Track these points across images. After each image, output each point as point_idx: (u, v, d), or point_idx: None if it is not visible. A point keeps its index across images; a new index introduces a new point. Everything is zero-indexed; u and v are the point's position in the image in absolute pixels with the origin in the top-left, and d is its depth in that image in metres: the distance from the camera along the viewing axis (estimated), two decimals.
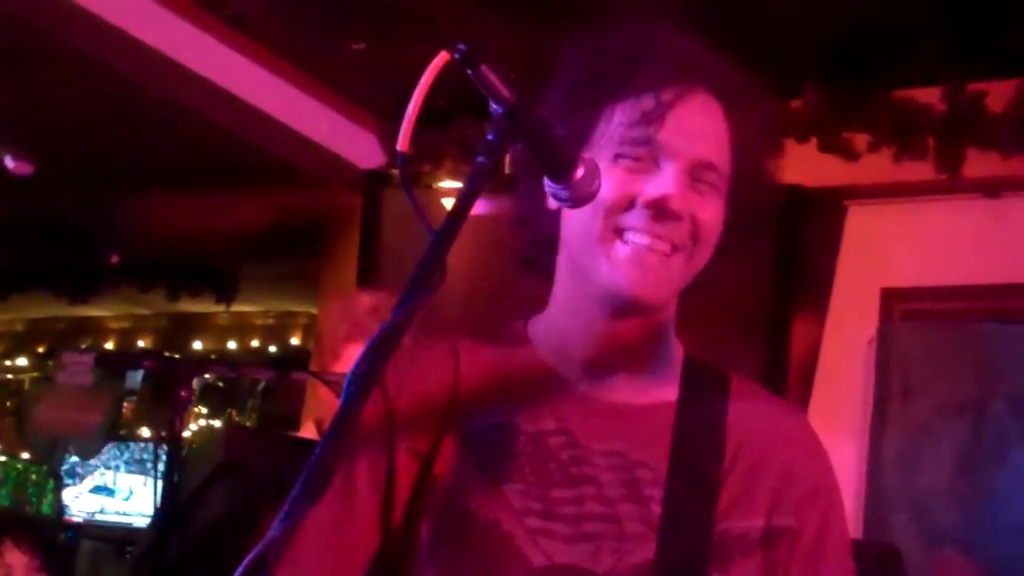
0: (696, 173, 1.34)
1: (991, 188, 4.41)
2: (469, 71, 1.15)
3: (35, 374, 9.76)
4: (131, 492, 7.79)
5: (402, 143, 1.17)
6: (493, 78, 1.16)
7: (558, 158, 1.23)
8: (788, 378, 4.51)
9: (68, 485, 7.81)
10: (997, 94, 4.27)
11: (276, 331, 9.27)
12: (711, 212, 1.35)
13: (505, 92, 1.17)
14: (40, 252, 7.14)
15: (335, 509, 1.31)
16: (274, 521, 1.02)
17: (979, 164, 4.32)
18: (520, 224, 1.46)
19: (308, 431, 3.52)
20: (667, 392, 1.41)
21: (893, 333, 4.48)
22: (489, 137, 1.19)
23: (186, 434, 3.03)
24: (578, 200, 1.25)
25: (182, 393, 2.77)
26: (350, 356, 2.88)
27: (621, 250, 1.32)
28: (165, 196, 6.22)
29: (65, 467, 7.85)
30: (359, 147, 5.14)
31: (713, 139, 1.36)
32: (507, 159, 1.28)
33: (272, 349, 9.25)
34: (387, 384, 1.36)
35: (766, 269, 4.33)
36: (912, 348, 4.42)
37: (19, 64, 4.68)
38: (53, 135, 5.62)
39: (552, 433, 1.36)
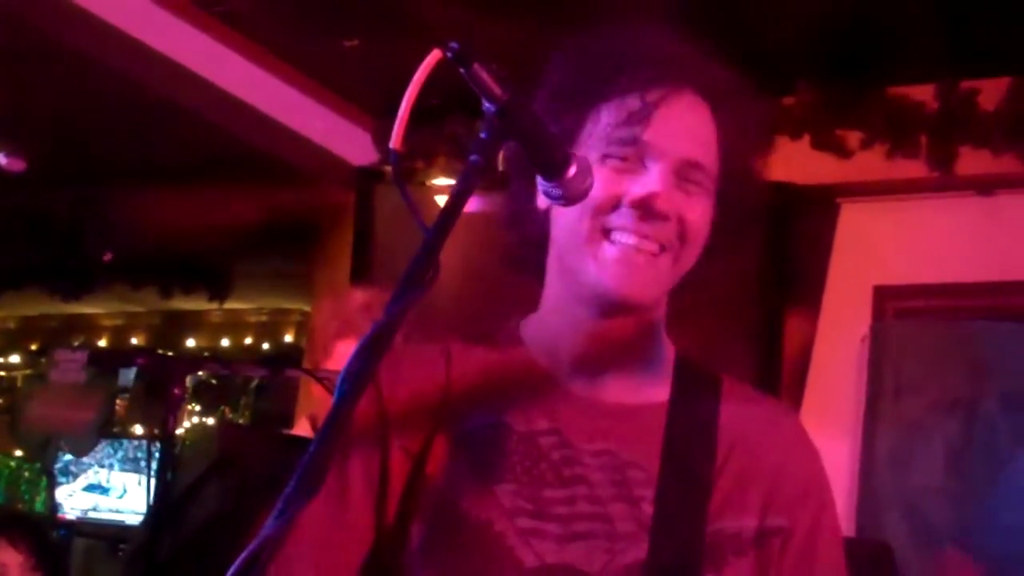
0: (683, 173, 1.34)
1: (984, 186, 4.42)
2: (462, 69, 1.15)
3: (28, 372, 9.74)
4: (125, 490, 7.78)
5: (395, 141, 1.17)
6: (485, 76, 1.16)
7: (551, 156, 1.24)
8: (781, 376, 4.51)
9: (62, 483, 7.81)
10: (990, 92, 4.27)
11: (269, 328, 9.26)
12: (698, 212, 1.35)
13: (497, 90, 1.17)
14: (33, 249, 7.13)
15: (328, 507, 1.31)
16: (268, 519, 1.02)
17: (972, 162, 4.32)
18: (510, 224, 1.46)
19: (302, 428, 3.52)
20: (659, 392, 1.41)
21: (886, 331, 4.49)
22: (482, 135, 1.19)
23: (179, 432, 3.02)
24: (571, 198, 1.25)
25: (175, 391, 2.76)
26: (341, 353, 2.88)
27: (608, 250, 1.32)
28: (158, 193, 6.21)
29: (59, 465, 7.84)
30: (352, 144, 5.14)
31: (700, 138, 1.36)
32: (500, 157, 1.28)
33: (265, 346, 9.24)
34: (380, 383, 1.36)
35: (759, 267, 4.33)
36: (905, 346, 4.43)
37: (11, 61, 4.67)
38: (45, 132, 5.61)
39: (544, 433, 1.36)
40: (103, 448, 7.87)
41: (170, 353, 8.08)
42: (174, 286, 7.68)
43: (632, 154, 1.34)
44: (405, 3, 4.13)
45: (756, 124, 1.44)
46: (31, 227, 6.78)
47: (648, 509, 1.33)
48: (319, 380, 2.79)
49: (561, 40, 1.42)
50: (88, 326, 9.58)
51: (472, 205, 1.17)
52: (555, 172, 1.23)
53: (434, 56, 1.15)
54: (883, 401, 4.40)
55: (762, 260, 4.34)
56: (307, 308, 7.68)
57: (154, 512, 2.73)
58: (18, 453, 8.77)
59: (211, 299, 7.81)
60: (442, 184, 4.90)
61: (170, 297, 7.82)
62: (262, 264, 7.38)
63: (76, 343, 9.28)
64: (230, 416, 9.45)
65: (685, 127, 1.35)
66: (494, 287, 1.46)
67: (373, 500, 1.35)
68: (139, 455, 7.67)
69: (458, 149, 4.83)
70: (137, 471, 7.65)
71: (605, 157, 1.33)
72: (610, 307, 1.35)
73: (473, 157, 1.18)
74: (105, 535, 7.13)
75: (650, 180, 1.32)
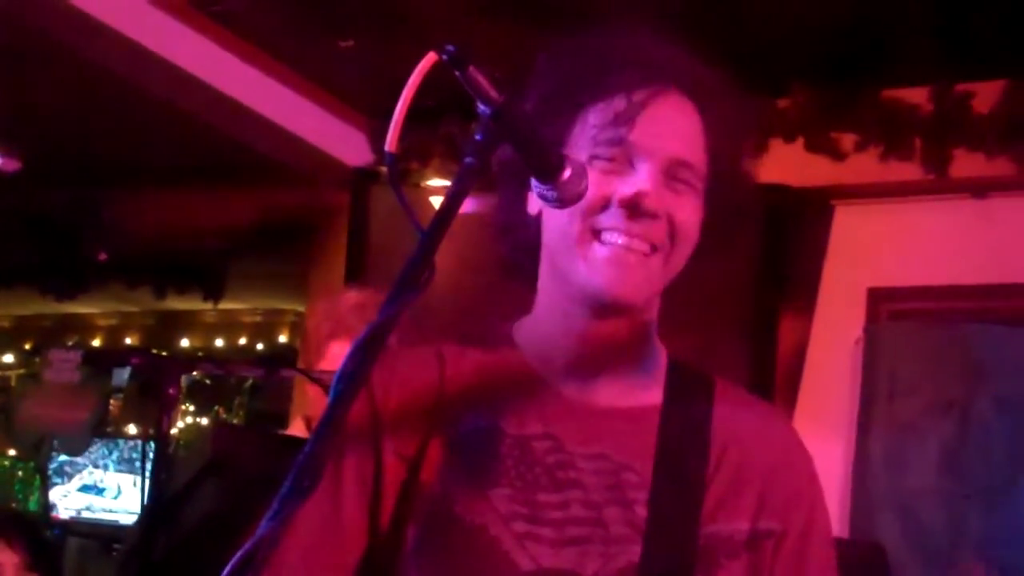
0: (671, 172, 1.34)
1: (978, 188, 4.42)
2: (457, 72, 1.16)
3: (22, 371, 9.72)
4: (119, 491, 7.77)
5: (390, 143, 1.17)
6: (481, 79, 1.16)
7: (546, 159, 1.24)
8: (775, 377, 4.51)
9: (56, 484, 7.79)
10: (984, 95, 4.28)
11: (264, 329, 9.26)
12: (688, 211, 1.36)
13: (493, 93, 1.17)
14: (27, 248, 7.12)
15: (323, 510, 1.32)
16: (262, 519, 1.02)
17: (966, 164, 4.33)
18: (502, 232, 1.46)
19: (296, 428, 3.52)
20: (652, 395, 1.41)
21: (880, 333, 4.49)
22: (477, 137, 1.19)
23: (173, 432, 3.03)
24: (566, 200, 1.26)
25: (170, 391, 2.76)
26: (334, 354, 2.88)
27: (599, 251, 1.33)
28: (153, 193, 6.20)
29: (53, 466, 7.83)
30: (347, 145, 5.13)
31: (687, 137, 1.37)
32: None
33: (260, 347, 9.24)
34: (373, 386, 1.36)
35: (753, 269, 4.33)
36: (899, 348, 4.43)
37: (6, 61, 4.67)
38: (40, 131, 5.61)
39: (537, 437, 1.36)
40: (98, 448, 7.85)
41: (164, 353, 8.07)
42: (169, 286, 7.67)
43: (620, 154, 1.34)
44: (400, 4, 4.13)
45: (744, 124, 1.45)
46: (25, 226, 6.77)
47: (642, 512, 1.33)
48: (314, 380, 2.79)
49: (549, 43, 1.42)
50: (82, 326, 9.57)
51: (467, 206, 1.17)
52: (550, 175, 1.24)
53: (429, 58, 1.16)
54: (877, 403, 4.40)
55: (756, 262, 4.35)
56: (302, 309, 7.66)
57: (148, 512, 2.73)
58: (12, 452, 8.76)
59: (205, 299, 7.80)
60: (437, 185, 4.90)
61: (164, 297, 7.82)
62: (257, 264, 7.38)
63: (70, 343, 9.27)
64: (224, 416, 9.44)
65: (672, 126, 1.36)
66: (488, 289, 1.46)
67: (367, 504, 1.35)
68: (134, 455, 7.66)
69: (453, 151, 4.83)
70: (132, 472, 7.63)
71: (593, 158, 1.34)
72: (602, 308, 1.35)
73: (468, 159, 1.18)
74: (99, 535, 7.12)
75: (638, 180, 1.33)
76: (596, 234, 1.33)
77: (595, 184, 1.31)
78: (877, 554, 3.64)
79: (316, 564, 1.33)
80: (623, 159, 1.34)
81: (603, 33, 1.41)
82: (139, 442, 7.84)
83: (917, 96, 4.38)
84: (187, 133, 5.10)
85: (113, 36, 4.10)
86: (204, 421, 9.54)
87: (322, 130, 5.02)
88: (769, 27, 4.09)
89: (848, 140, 4.46)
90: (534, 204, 1.42)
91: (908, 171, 4.40)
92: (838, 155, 4.47)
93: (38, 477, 8.07)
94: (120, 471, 7.81)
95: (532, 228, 1.42)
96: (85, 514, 7.77)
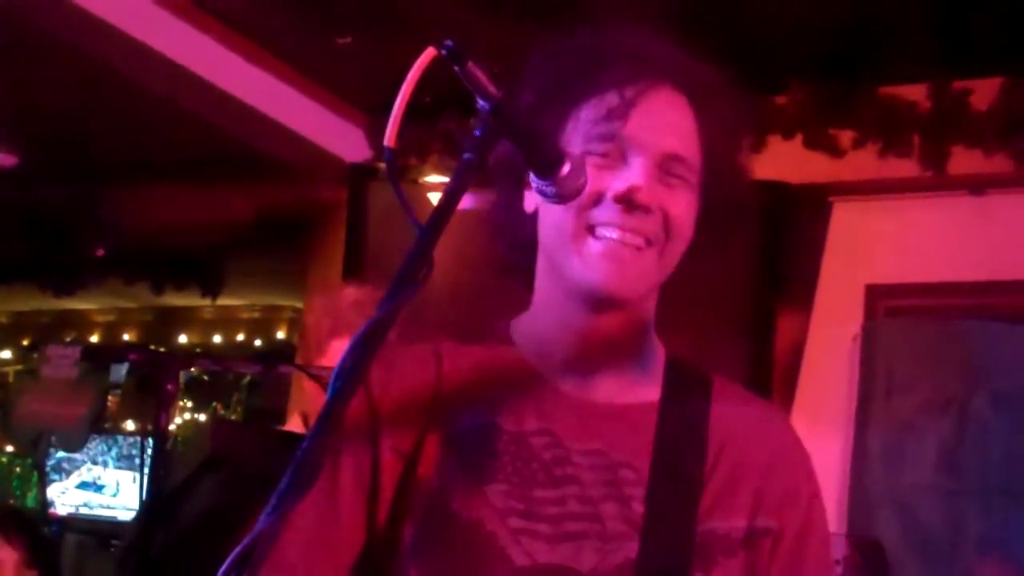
0: (665, 166, 1.34)
1: (975, 185, 4.43)
2: (456, 67, 1.16)
3: (19, 367, 9.72)
4: (118, 488, 7.77)
5: (389, 138, 1.17)
6: (480, 75, 1.17)
7: (544, 154, 1.24)
8: (773, 374, 4.51)
9: (54, 481, 7.79)
10: (982, 92, 4.28)
11: (261, 325, 9.25)
12: (682, 206, 1.36)
13: (491, 89, 1.17)
14: (24, 244, 7.11)
15: (320, 507, 1.32)
16: (260, 515, 1.02)
17: (963, 161, 4.33)
18: (499, 231, 1.47)
19: (294, 425, 3.52)
20: (649, 392, 1.41)
21: (877, 329, 4.49)
22: (476, 133, 1.19)
23: (171, 428, 3.02)
24: (565, 196, 1.26)
25: (168, 387, 2.76)
26: (335, 351, 2.87)
27: (593, 246, 1.33)
28: (151, 189, 6.19)
29: (51, 462, 7.82)
30: (345, 141, 5.13)
31: (679, 132, 1.37)
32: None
33: (257, 343, 9.24)
34: (371, 383, 1.36)
35: (751, 265, 4.33)
36: (896, 344, 4.43)
37: (3, 56, 4.66)
38: (38, 127, 5.60)
39: (534, 433, 1.36)
40: (97, 445, 7.86)
41: (162, 349, 8.07)
42: (166, 282, 7.66)
43: (613, 150, 1.34)
44: (399, 1, 4.13)
45: (739, 120, 1.44)
46: (23, 222, 6.76)
47: (639, 509, 1.33)
48: (312, 376, 2.79)
49: (542, 40, 1.42)
50: (80, 322, 9.57)
51: (465, 203, 1.17)
52: (549, 170, 1.24)
53: (428, 54, 1.16)
54: (875, 400, 4.41)
55: (754, 259, 4.35)
56: (299, 305, 7.66)
57: (147, 508, 2.73)
58: (9, 449, 8.76)
59: (203, 295, 7.79)
60: (435, 181, 4.90)
61: (162, 293, 7.81)
62: (255, 260, 7.37)
63: (68, 339, 9.25)
64: (222, 412, 9.45)
65: (665, 121, 1.36)
66: (487, 284, 1.46)
67: (364, 500, 1.35)
68: (133, 452, 7.66)
69: (451, 146, 4.83)
70: (131, 468, 7.63)
71: (586, 154, 1.33)
72: (597, 303, 1.35)
73: (467, 155, 1.18)
74: (97, 531, 7.12)
75: (632, 174, 1.33)
76: (591, 229, 1.33)
77: (589, 179, 1.30)
78: (875, 550, 3.65)
79: (314, 560, 1.33)
80: (616, 154, 1.34)
81: (596, 30, 1.42)
82: (138, 438, 7.85)
83: (915, 93, 4.38)
84: (185, 129, 5.10)
85: (111, 32, 4.10)
86: (202, 417, 9.55)
87: (320, 126, 5.02)
88: (767, 24, 4.09)
89: (846, 137, 4.47)
90: (530, 202, 1.42)
91: (906, 168, 4.40)
92: (836, 152, 4.47)
93: (36, 474, 8.06)
94: (120, 468, 7.82)
95: (529, 226, 1.41)
96: (83, 510, 7.77)
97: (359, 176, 5.13)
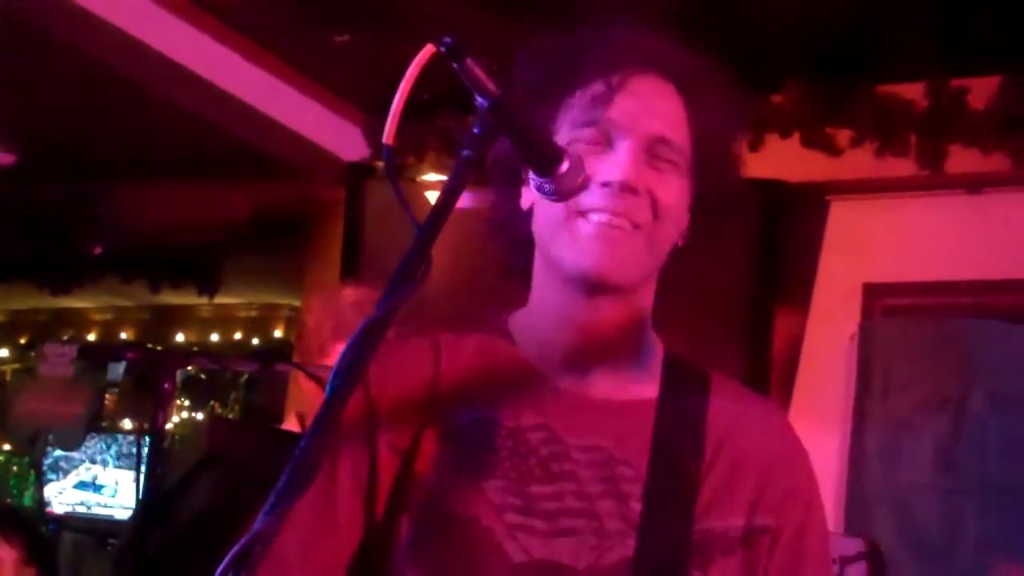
0: (652, 149, 1.35)
1: (973, 184, 4.43)
2: (455, 65, 1.15)
3: (16, 366, 9.71)
4: (117, 488, 7.76)
5: (388, 135, 1.17)
6: (478, 72, 1.16)
7: (543, 152, 1.24)
8: (770, 373, 4.51)
9: (52, 480, 7.78)
10: (979, 90, 4.28)
11: (259, 323, 9.24)
12: (672, 190, 1.36)
13: (490, 86, 1.17)
14: (22, 243, 7.10)
15: (317, 505, 1.31)
16: (258, 514, 1.02)
17: (961, 160, 4.33)
18: (497, 229, 1.47)
19: (291, 424, 3.52)
20: (647, 389, 1.41)
21: (875, 328, 4.50)
22: (474, 130, 1.19)
23: (168, 427, 3.02)
24: (564, 194, 1.26)
25: (165, 385, 2.76)
26: (338, 353, 2.86)
27: (583, 229, 1.32)
28: (148, 187, 6.19)
29: (48, 461, 7.81)
30: (342, 139, 5.13)
31: (665, 116, 1.37)
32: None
33: (255, 341, 9.22)
34: (369, 380, 1.36)
35: (748, 264, 4.33)
36: (894, 343, 4.43)
37: (2, 55, 4.66)
38: (36, 126, 5.60)
39: (532, 428, 1.36)
40: (96, 444, 7.85)
41: (160, 348, 8.06)
42: (164, 280, 7.65)
43: (599, 135, 1.35)
44: None
45: (730, 109, 1.44)
46: (20, 220, 6.75)
47: (636, 506, 1.33)
48: (310, 375, 2.79)
49: (530, 38, 1.42)
50: (77, 320, 9.55)
51: (463, 202, 1.17)
52: (547, 168, 1.24)
53: (427, 51, 1.15)
54: (872, 398, 4.41)
55: (751, 257, 4.35)
56: (297, 303, 7.65)
57: (144, 507, 2.73)
58: (6, 447, 8.76)
59: (201, 294, 7.78)
60: (433, 180, 4.90)
61: (159, 292, 7.79)
62: (252, 259, 7.36)
63: (65, 337, 9.24)
64: (220, 411, 9.44)
65: (649, 104, 1.36)
66: (485, 283, 1.46)
67: (361, 497, 1.35)
68: (134, 451, 7.65)
69: (449, 145, 4.82)
70: (131, 467, 7.62)
71: (572, 142, 1.34)
72: (591, 286, 1.34)
73: (465, 152, 1.18)
74: (94, 530, 7.11)
75: (618, 158, 1.33)
76: (581, 214, 1.33)
77: None
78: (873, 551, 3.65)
79: (312, 558, 1.33)
80: (603, 139, 1.35)
81: (584, 25, 1.42)
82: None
83: (912, 92, 4.38)
84: (182, 127, 5.09)
85: (109, 30, 4.09)
86: (199, 416, 9.53)
87: (318, 125, 5.02)
88: (765, 23, 4.09)
89: (844, 136, 4.47)
90: (527, 198, 1.42)
91: (903, 167, 4.40)
92: (834, 151, 4.47)
93: (33, 472, 8.06)
94: (120, 467, 7.81)
95: (526, 224, 1.42)
96: (80, 509, 7.76)
97: (357, 174, 5.12)
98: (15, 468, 8.75)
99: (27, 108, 5.33)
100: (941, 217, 4.50)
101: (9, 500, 8.39)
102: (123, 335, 9.44)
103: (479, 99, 1.18)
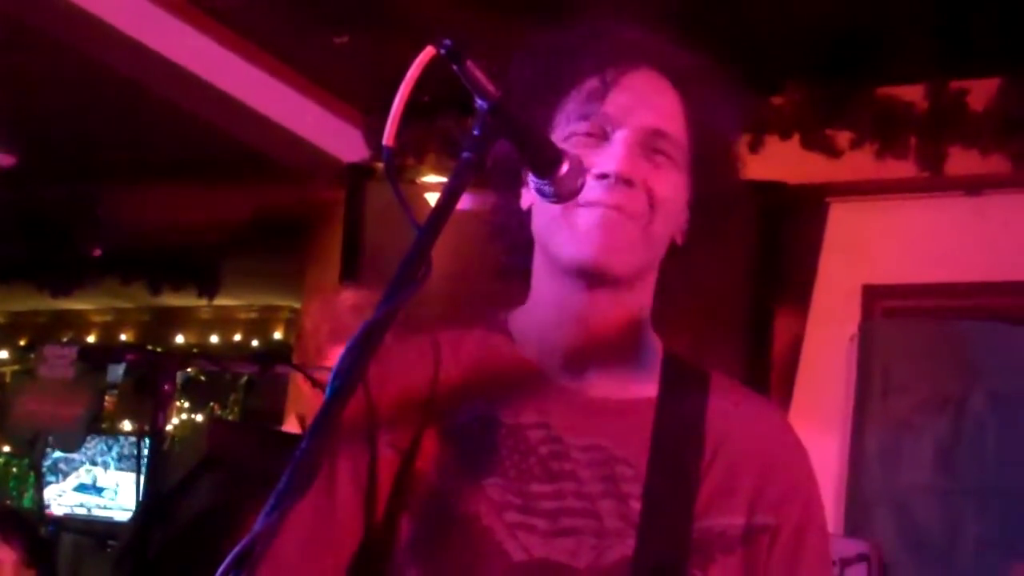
0: (648, 142, 1.35)
1: (972, 186, 4.43)
2: (455, 66, 1.15)
3: (16, 367, 9.71)
4: (118, 490, 7.75)
5: (388, 137, 1.17)
6: (478, 74, 1.16)
7: (543, 154, 1.24)
8: (770, 374, 4.51)
9: (51, 483, 7.78)
10: (979, 92, 4.28)
11: (259, 325, 9.24)
12: (668, 183, 1.36)
13: (490, 88, 1.17)
14: (22, 244, 7.10)
15: (317, 505, 1.31)
16: (258, 515, 1.02)
17: (960, 162, 4.33)
18: (497, 231, 1.47)
19: (292, 425, 3.52)
20: (647, 388, 1.41)
21: (874, 330, 4.50)
22: (474, 132, 1.19)
23: (168, 428, 3.02)
24: (563, 196, 1.26)
25: (165, 387, 2.76)
26: (336, 356, 2.85)
27: (580, 220, 1.32)
28: (147, 189, 6.19)
29: (47, 463, 7.82)
30: (342, 140, 5.13)
31: (661, 109, 1.37)
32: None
33: (255, 343, 9.22)
34: (369, 380, 1.36)
35: (748, 265, 4.34)
36: (893, 345, 4.44)
37: (1, 56, 4.66)
38: (35, 127, 5.60)
39: (532, 427, 1.36)
40: (97, 445, 7.85)
41: (159, 349, 8.06)
42: (163, 282, 7.65)
43: (595, 128, 1.35)
44: (396, 0, 4.13)
45: (727, 106, 1.44)
46: (20, 222, 6.76)
47: (636, 506, 1.32)
48: (309, 377, 2.79)
49: (525, 38, 1.43)
50: (77, 322, 9.55)
51: (463, 203, 1.17)
52: (547, 170, 1.24)
53: (427, 53, 1.15)
54: (872, 400, 4.41)
55: (752, 259, 4.35)
56: (297, 305, 7.66)
57: (144, 508, 2.73)
58: (6, 449, 8.76)
59: (200, 295, 7.78)
60: (433, 181, 4.90)
61: (159, 293, 7.80)
62: (252, 260, 7.37)
63: (65, 339, 9.24)
64: (219, 413, 9.44)
65: (644, 97, 1.37)
66: (485, 284, 1.46)
67: (361, 498, 1.35)
68: (135, 453, 7.65)
69: (449, 147, 4.83)
70: (133, 469, 7.62)
71: (569, 136, 1.35)
72: (589, 277, 1.34)
73: (465, 154, 1.18)
74: (93, 531, 7.11)
75: (614, 150, 1.34)
76: (578, 206, 1.33)
77: None
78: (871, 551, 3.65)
79: (312, 558, 1.33)
80: (599, 132, 1.35)
81: (579, 25, 1.42)
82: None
83: (912, 94, 4.38)
84: (182, 129, 5.10)
85: (109, 32, 4.10)
86: (199, 418, 9.54)
87: (317, 126, 5.02)
88: (765, 25, 4.09)
89: (843, 137, 4.47)
90: (526, 198, 1.42)
91: (903, 168, 4.40)
92: (833, 152, 4.48)
93: (32, 474, 8.05)
94: (121, 469, 7.81)
95: (525, 225, 1.42)
96: (79, 511, 7.76)
97: (356, 176, 5.12)
98: (15, 470, 8.74)
99: (27, 109, 5.33)
100: (941, 219, 4.50)
101: (8, 502, 8.38)
102: (123, 337, 9.45)
103: (479, 101, 1.18)
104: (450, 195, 1.15)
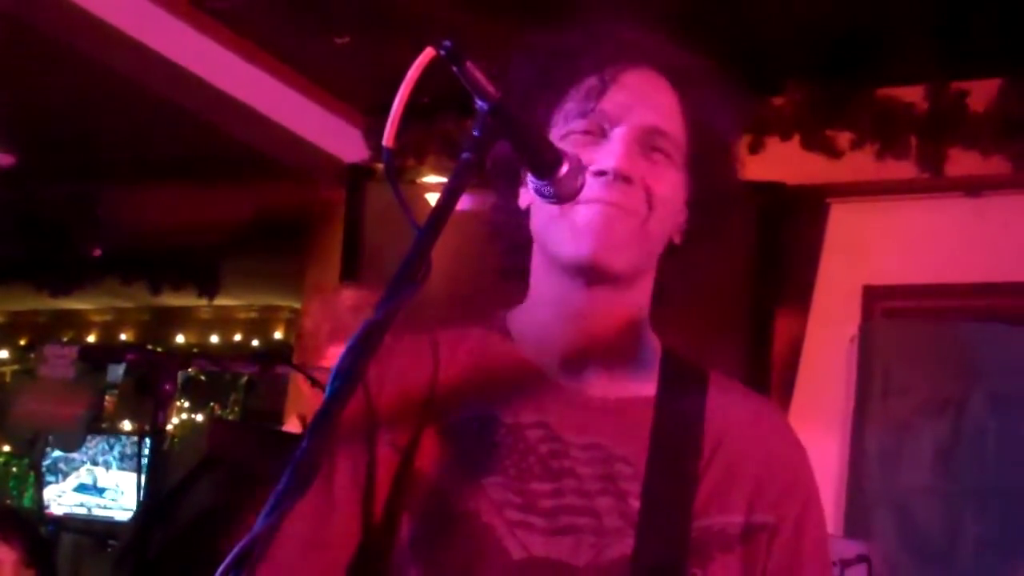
0: (646, 140, 1.35)
1: (972, 187, 4.43)
2: (455, 67, 1.16)
3: (16, 367, 9.71)
4: (118, 490, 7.75)
5: (388, 138, 1.17)
6: (478, 75, 1.17)
7: (543, 155, 1.24)
8: (770, 375, 4.51)
9: (51, 483, 7.78)
10: (979, 93, 4.28)
11: (259, 325, 9.24)
12: (667, 181, 1.36)
13: (490, 89, 1.18)
14: (22, 244, 7.10)
15: (316, 505, 1.31)
16: (258, 515, 1.02)
17: (961, 163, 4.33)
18: (497, 232, 1.47)
19: (291, 425, 3.52)
20: (646, 387, 1.41)
21: (875, 331, 4.50)
22: (474, 133, 1.19)
23: (168, 428, 3.02)
24: (563, 197, 1.26)
25: (165, 387, 2.76)
26: (334, 356, 2.86)
27: (578, 217, 1.32)
28: (148, 189, 6.19)
29: (47, 463, 7.82)
30: (342, 141, 5.13)
31: (659, 107, 1.37)
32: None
33: (255, 343, 9.22)
34: (368, 379, 1.36)
35: (748, 266, 4.34)
36: (893, 346, 4.44)
37: (1, 56, 4.66)
38: (35, 127, 5.60)
39: (531, 426, 1.36)
40: (97, 445, 7.85)
41: (159, 349, 8.06)
42: (164, 282, 7.65)
43: (593, 126, 1.35)
44: (396, 1, 4.13)
45: (726, 106, 1.44)
46: (20, 222, 6.76)
47: (635, 504, 1.33)
48: (310, 377, 2.79)
49: (523, 39, 1.43)
50: (77, 322, 9.55)
51: (463, 204, 1.17)
52: (547, 171, 1.24)
53: (427, 54, 1.16)
54: (872, 400, 4.41)
55: (752, 259, 4.35)
56: (297, 305, 7.65)
57: (144, 508, 2.73)
58: (6, 449, 8.75)
59: (200, 295, 7.79)
60: (433, 182, 4.90)
61: (159, 293, 7.80)
62: (252, 261, 7.37)
63: (65, 339, 9.24)
64: (219, 413, 9.44)
65: (642, 95, 1.37)
66: (485, 284, 1.46)
67: (360, 497, 1.35)
68: (135, 453, 7.65)
69: (448, 147, 4.83)
70: (133, 469, 7.62)
71: (567, 134, 1.35)
72: (588, 273, 1.34)
73: (465, 154, 1.18)
74: (93, 531, 7.11)
75: (612, 147, 1.34)
76: (576, 203, 1.32)
77: None
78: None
79: (312, 558, 1.33)
80: (597, 130, 1.35)
81: (578, 25, 1.42)
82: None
83: (912, 94, 4.38)
84: (183, 129, 5.10)
85: (109, 32, 4.10)
86: (199, 418, 9.53)
87: (318, 126, 5.02)
88: (765, 25, 4.09)
89: (844, 138, 4.47)
90: (524, 198, 1.42)
91: (903, 169, 4.40)
92: (834, 153, 4.47)
93: (32, 474, 8.05)
94: (123, 468, 7.80)
95: (524, 224, 1.42)
96: (78, 510, 7.76)
97: (357, 176, 5.12)
98: (15, 470, 8.74)
99: (27, 108, 5.33)
100: (941, 220, 4.50)
101: (8, 501, 8.38)
102: (123, 336, 9.45)
103: (479, 102, 1.18)
104: (450, 195, 1.15)
